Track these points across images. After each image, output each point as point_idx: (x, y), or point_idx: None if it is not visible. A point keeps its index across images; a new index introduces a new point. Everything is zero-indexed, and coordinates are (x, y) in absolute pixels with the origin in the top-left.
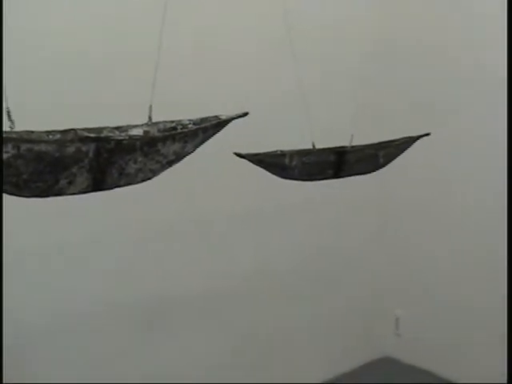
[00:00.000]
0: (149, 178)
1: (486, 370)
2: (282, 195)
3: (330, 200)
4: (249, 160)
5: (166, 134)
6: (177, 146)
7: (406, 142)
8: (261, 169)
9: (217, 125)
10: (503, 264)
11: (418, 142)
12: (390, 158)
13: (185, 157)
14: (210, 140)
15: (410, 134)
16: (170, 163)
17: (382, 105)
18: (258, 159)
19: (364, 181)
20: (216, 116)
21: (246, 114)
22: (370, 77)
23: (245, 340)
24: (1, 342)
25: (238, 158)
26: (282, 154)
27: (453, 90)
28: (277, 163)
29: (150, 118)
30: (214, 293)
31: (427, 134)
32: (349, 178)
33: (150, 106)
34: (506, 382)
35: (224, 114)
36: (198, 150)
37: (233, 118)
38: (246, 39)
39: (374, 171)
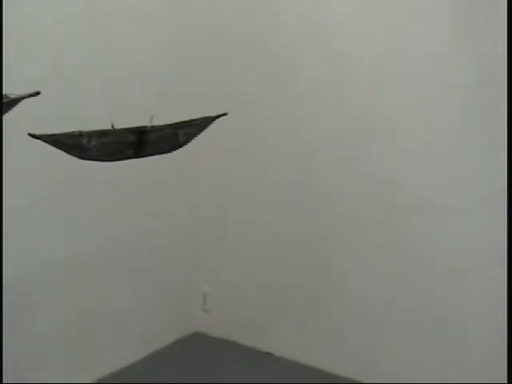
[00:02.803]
0: None
1: (291, 341)
2: (85, 177)
3: (138, 180)
4: (44, 141)
5: None
6: None
7: (205, 122)
8: (59, 150)
9: (6, 104)
10: (314, 240)
11: (219, 121)
12: (189, 137)
13: None
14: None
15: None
16: None
17: (182, 87)
18: (55, 139)
19: (171, 159)
20: (5, 95)
21: (38, 93)
22: (171, 61)
23: (50, 327)
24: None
25: (33, 139)
26: (80, 135)
27: (248, 77)
28: (74, 144)
29: None
30: (25, 280)
31: (224, 114)
32: (156, 157)
33: None
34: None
35: (14, 92)
36: None
37: (23, 97)
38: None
39: (174, 150)
